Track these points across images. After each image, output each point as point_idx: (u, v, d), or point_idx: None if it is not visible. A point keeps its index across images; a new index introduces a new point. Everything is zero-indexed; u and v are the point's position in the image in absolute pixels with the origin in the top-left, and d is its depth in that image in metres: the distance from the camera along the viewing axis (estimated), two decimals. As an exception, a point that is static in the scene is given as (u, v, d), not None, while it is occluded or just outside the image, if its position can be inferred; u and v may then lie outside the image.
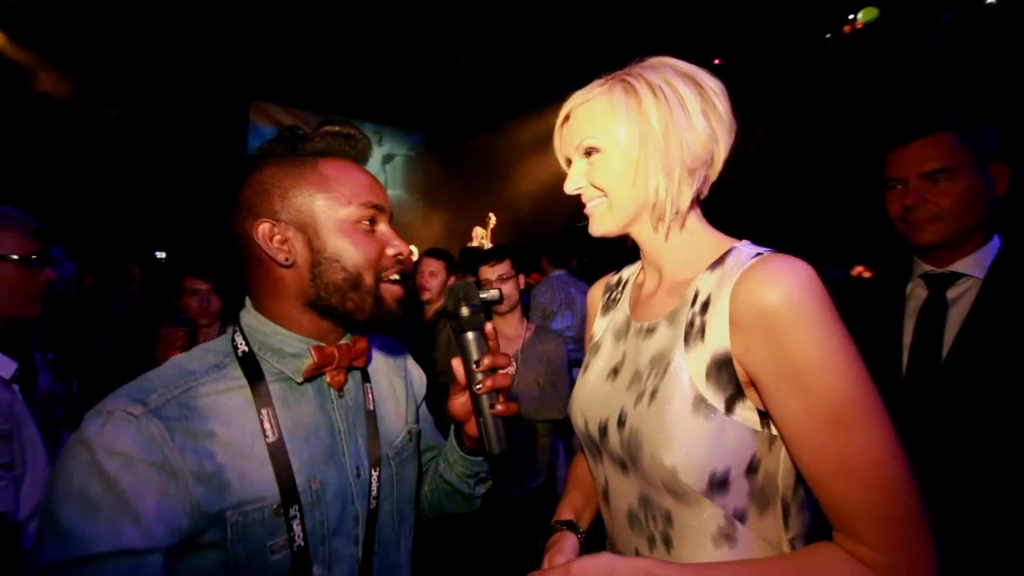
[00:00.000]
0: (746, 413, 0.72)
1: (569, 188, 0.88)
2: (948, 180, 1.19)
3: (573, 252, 5.44)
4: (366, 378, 0.95)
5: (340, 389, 0.88)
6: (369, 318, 0.84)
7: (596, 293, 1.09)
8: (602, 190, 0.84)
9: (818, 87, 7.79)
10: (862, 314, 1.38)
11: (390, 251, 0.86)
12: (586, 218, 0.89)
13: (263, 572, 0.74)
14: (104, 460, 0.67)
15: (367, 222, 0.83)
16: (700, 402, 0.72)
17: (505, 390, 0.85)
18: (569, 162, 0.90)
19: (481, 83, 9.43)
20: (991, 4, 6.34)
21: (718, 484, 0.71)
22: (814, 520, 0.76)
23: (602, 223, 0.86)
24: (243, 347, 0.82)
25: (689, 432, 0.71)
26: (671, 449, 0.72)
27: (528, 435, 2.28)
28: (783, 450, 0.73)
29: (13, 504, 1.19)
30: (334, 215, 0.81)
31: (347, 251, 0.81)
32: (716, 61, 8.46)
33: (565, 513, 1.01)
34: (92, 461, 0.67)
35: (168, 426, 0.71)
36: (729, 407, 0.72)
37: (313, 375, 0.84)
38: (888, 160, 1.29)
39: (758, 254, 0.75)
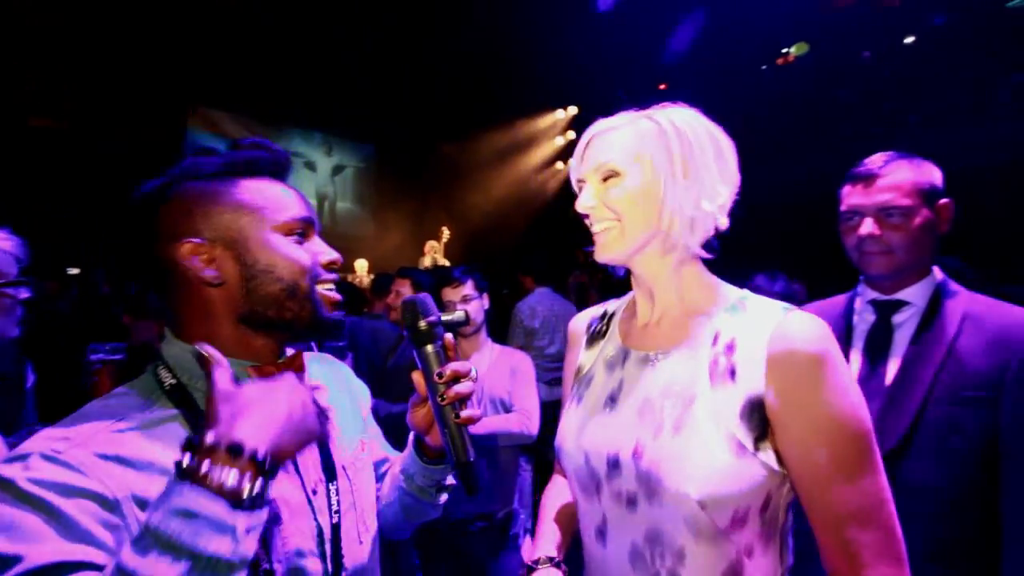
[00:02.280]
0: (768, 453, 0.76)
1: (581, 206, 0.90)
2: (902, 216, 1.28)
3: (571, 269, 5.46)
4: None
5: None
6: (309, 326, 0.83)
7: (580, 326, 1.10)
8: (616, 214, 0.86)
9: (755, 113, 8.29)
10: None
11: (323, 258, 0.86)
12: (592, 243, 0.91)
13: None
14: (32, 489, 0.61)
15: (297, 235, 0.84)
16: (732, 440, 0.75)
17: (468, 398, 0.86)
18: (580, 185, 0.93)
19: (434, 96, 9.41)
20: (908, 43, 7.00)
21: (739, 520, 0.75)
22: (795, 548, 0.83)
23: (611, 248, 0.88)
24: (169, 380, 0.78)
25: (721, 469, 0.74)
26: (699, 483, 0.73)
27: (493, 462, 2.24)
28: (786, 487, 0.79)
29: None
30: (262, 229, 0.81)
31: (280, 262, 0.81)
32: (662, 87, 8.87)
33: (547, 547, 0.99)
34: (19, 493, 0.61)
35: (98, 453, 0.66)
36: (756, 446, 0.75)
37: None
38: (845, 192, 1.37)
39: (786, 308, 0.81)
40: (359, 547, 0.90)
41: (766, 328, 0.78)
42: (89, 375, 1.70)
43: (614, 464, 0.83)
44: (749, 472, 0.74)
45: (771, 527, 0.78)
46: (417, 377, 0.88)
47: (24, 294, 1.30)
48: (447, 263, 7.38)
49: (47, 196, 6.37)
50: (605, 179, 0.88)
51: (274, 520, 0.76)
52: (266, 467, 0.60)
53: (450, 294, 2.30)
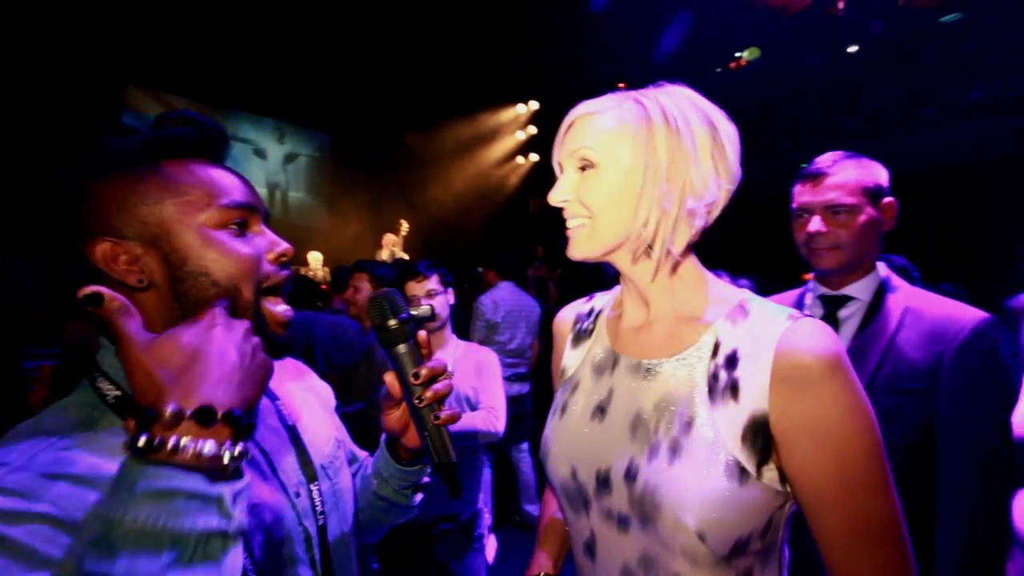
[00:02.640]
0: (772, 474, 0.71)
1: (554, 199, 0.82)
2: (847, 214, 1.35)
3: (529, 263, 5.43)
4: (271, 397, 0.87)
5: None
6: None
7: (565, 322, 1.01)
8: (589, 210, 0.79)
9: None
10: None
11: (270, 253, 0.75)
12: (566, 236, 0.84)
13: None
14: None
15: (235, 225, 0.72)
16: (734, 465, 0.69)
17: (446, 397, 0.81)
18: (562, 170, 0.84)
19: (392, 85, 9.21)
20: (852, 52, 7.39)
21: (740, 548, 0.70)
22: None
23: (582, 247, 0.81)
24: (113, 392, 0.68)
25: (723, 498, 0.68)
26: (699, 514, 0.68)
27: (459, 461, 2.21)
28: (788, 504, 0.74)
29: None
30: (191, 222, 0.70)
31: (215, 261, 0.70)
32: (620, 85, 9.02)
33: (544, 563, 0.98)
34: None
35: (43, 474, 0.57)
36: (759, 470, 0.70)
37: None
38: (796, 191, 1.43)
39: (790, 315, 0.74)
40: (345, 550, 0.85)
41: (770, 338, 0.71)
42: (29, 382, 1.52)
43: (604, 481, 0.78)
44: (752, 499, 0.69)
45: (771, 546, 0.74)
46: (390, 379, 0.82)
47: None
48: (406, 257, 7.25)
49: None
50: (582, 168, 0.80)
51: (259, 527, 0.70)
52: (243, 424, 0.54)
53: (414, 288, 2.24)
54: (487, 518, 2.44)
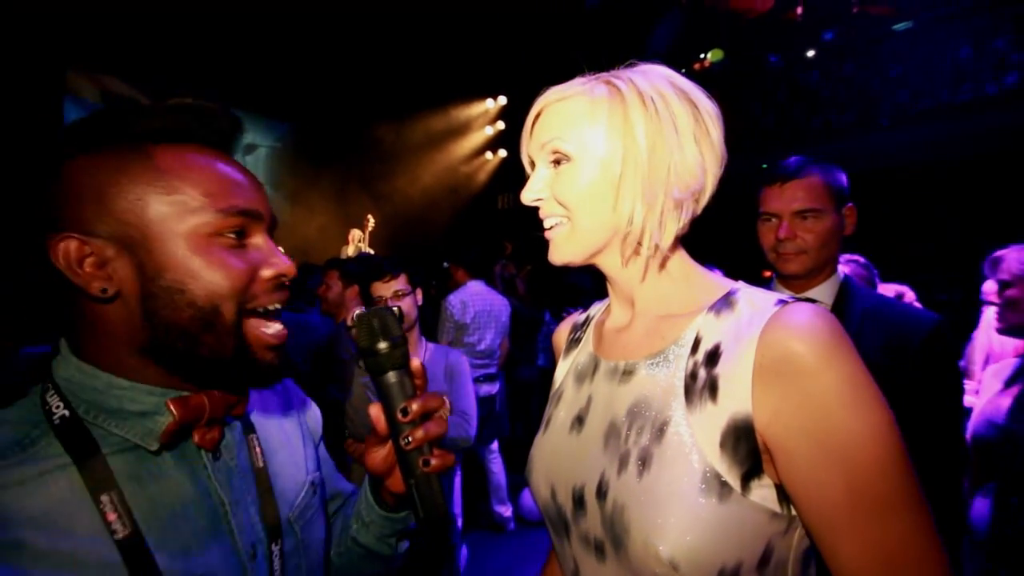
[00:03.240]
0: (764, 492, 0.59)
1: (527, 198, 0.74)
2: (814, 219, 1.37)
3: (497, 258, 5.36)
4: (249, 428, 0.74)
5: (215, 448, 0.68)
6: (232, 367, 0.63)
7: (562, 334, 0.93)
8: (566, 208, 0.71)
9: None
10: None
11: (266, 272, 0.64)
12: (541, 228, 0.75)
13: None
14: None
15: (232, 235, 0.62)
16: (713, 479, 0.58)
17: (439, 439, 0.69)
18: (533, 165, 0.76)
19: (356, 73, 8.97)
20: (810, 57, 7.65)
21: None
22: None
23: (563, 251, 0.73)
24: (61, 411, 0.59)
25: (697, 517, 0.57)
26: (670, 537, 0.57)
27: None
28: (796, 535, 0.61)
29: None
30: (179, 225, 0.59)
31: (199, 276, 0.59)
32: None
33: None
34: None
35: None
36: (745, 484, 0.59)
37: (173, 439, 0.63)
38: (764, 195, 1.45)
39: (780, 301, 0.63)
40: None
41: (755, 327, 0.60)
42: None
43: (579, 501, 0.69)
44: (736, 519, 0.58)
45: None
46: (376, 412, 0.71)
47: None
48: (371, 252, 7.10)
49: None
50: (555, 162, 0.72)
51: None
52: None
53: (381, 289, 2.17)
54: (458, 524, 2.41)
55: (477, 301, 3.90)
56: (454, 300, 3.89)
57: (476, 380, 3.86)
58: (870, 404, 0.57)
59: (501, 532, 3.91)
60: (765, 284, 1.56)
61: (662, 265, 0.73)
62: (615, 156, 0.67)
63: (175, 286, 0.59)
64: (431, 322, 3.94)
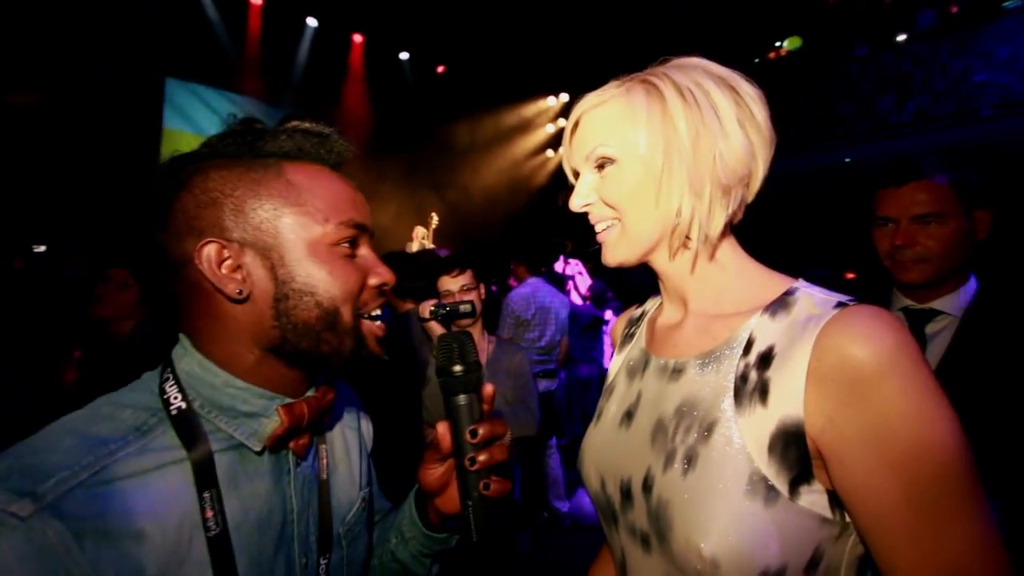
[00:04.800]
0: (814, 497, 0.59)
1: (575, 205, 0.75)
2: (937, 224, 1.24)
3: (557, 255, 5.39)
4: (321, 438, 0.77)
5: (304, 455, 0.72)
6: (346, 362, 0.68)
7: (618, 328, 0.95)
8: (615, 209, 0.72)
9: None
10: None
11: (373, 280, 0.70)
12: (598, 243, 0.76)
13: None
14: None
15: (347, 244, 0.68)
16: (759, 482, 0.58)
17: (502, 465, 0.70)
18: (577, 175, 0.77)
19: (425, 72, 9.15)
20: (900, 42, 7.02)
21: None
22: None
23: (616, 252, 0.74)
24: (179, 403, 0.63)
25: (740, 518, 0.57)
26: (712, 536, 0.58)
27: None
28: (850, 540, 0.61)
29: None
30: (306, 235, 0.65)
31: (323, 281, 0.65)
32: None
33: None
34: None
35: (74, 529, 0.51)
36: (793, 489, 0.58)
37: (278, 443, 0.67)
38: (880, 198, 1.32)
39: (840, 303, 0.61)
40: None
41: (812, 331, 0.59)
42: (63, 365, 1.52)
43: (627, 494, 0.70)
44: (783, 524, 0.58)
45: None
46: (443, 430, 0.72)
47: None
48: (434, 248, 7.24)
49: (12, 170, 5.97)
50: (600, 167, 0.72)
51: None
52: None
53: (449, 283, 2.21)
54: (519, 513, 2.43)
55: (538, 298, 3.90)
56: (515, 296, 3.90)
57: (536, 375, 3.86)
58: (934, 412, 0.55)
59: (558, 527, 3.90)
60: (848, 286, 1.44)
61: (711, 257, 0.73)
62: (657, 151, 0.68)
63: (306, 289, 0.64)
64: (491, 317, 3.97)
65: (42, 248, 5.60)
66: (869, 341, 0.55)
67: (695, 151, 0.66)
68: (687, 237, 0.69)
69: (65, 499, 0.51)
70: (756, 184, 0.70)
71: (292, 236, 0.64)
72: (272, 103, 8.53)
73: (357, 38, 8.92)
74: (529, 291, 3.91)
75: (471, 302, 2.06)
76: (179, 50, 7.05)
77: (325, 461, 0.76)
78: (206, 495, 0.60)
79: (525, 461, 3.29)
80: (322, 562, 0.71)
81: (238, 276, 0.63)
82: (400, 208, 9.73)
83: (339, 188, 0.69)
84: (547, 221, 9.60)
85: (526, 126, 10.63)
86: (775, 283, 0.70)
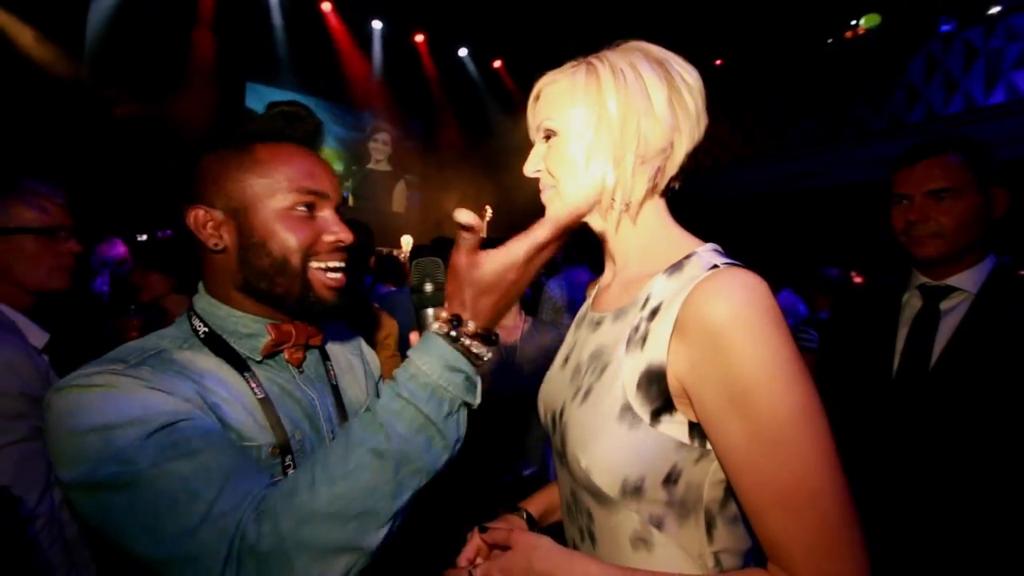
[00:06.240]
0: (673, 426, 0.70)
1: (527, 171, 0.86)
2: (951, 199, 1.24)
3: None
4: (325, 356, 0.98)
5: (299, 366, 0.91)
6: (298, 304, 0.85)
7: (589, 292, 1.07)
8: (554, 177, 0.81)
9: (820, 89, 7.82)
10: (861, 318, 1.45)
11: (327, 237, 0.85)
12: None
13: None
14: (110, 380, 0.69)
15: (303, 207, 0.83)
16: (627, 410, 0.71)
17: None
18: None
19: (481, 68, 9.34)
20: (993, 15, 6.37)
21: (631, 491, 0.70)
22: (753, 538, 0.72)
23: (550, 213, 0.82)
24: (203, 328, 0.84)
25: (609, 437, 0.71)
26: (587, 451, 0.72)
27: (525, 421, 2.33)
28: (712, 465, 0.71)
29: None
30: (268, 202, 0.82)
31: (276, 236, 0.81)
32: (717, 63, 8.47)
33: (528, 502, 1.02)
34: (97, 392, 0.68)
35: (157, 369, 0.73)
36: (655, 418, 0.70)
37: (272, 353, 0.87)
38: (896, 176, 1.33)
39: (714, 265, 0.70)
40: None
41: (686, 289, 0.68)
42: (128, 331, 1.86)
43: (553, 421, 0.84)
44: (640, 443, 0.69)
45: (688, 503, 0.71)
46: (415, 337, 0.81)
47: (74, 247, 1.34)
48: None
49: (117, 166, 6.76)
50: (547, 138, 0.82)
51: (300, 449, 0.84)
52: (494, 340, 0.71)
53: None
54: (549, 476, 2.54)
55: (576, 286, 3.99)
56: (554, 284, 4.02)
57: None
58: (771, 359, 0.63)
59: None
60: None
61: (634, 221, 0.82)
62: (589, 126, 0.77)
63: (260, 242, 0.82)
64: (531, 302, 4.10)
65: (143, 237, 6.31)
66: (721, 298, 0.65)
67: (621, 126, 0.75)
68: (612, 200, 0.79)
69: (143, 364, 0.74)
70: (679, 157, 0.78)
71: (256, 202, 0.82)
72: (339, 103, 9.08)
73: (419, 37, 9.28)
74: (567, 279, 4.02)
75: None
76: (258, 56, 7.73)
77: (333, 372, 0.98)
78: (246, 374, 0.82)
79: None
80: None
81: (216, 234, 0.83)
82: (462, 196, 10.05)
83: (300, 162, 0.84)
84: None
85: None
86: (684, 247, 0.79)
